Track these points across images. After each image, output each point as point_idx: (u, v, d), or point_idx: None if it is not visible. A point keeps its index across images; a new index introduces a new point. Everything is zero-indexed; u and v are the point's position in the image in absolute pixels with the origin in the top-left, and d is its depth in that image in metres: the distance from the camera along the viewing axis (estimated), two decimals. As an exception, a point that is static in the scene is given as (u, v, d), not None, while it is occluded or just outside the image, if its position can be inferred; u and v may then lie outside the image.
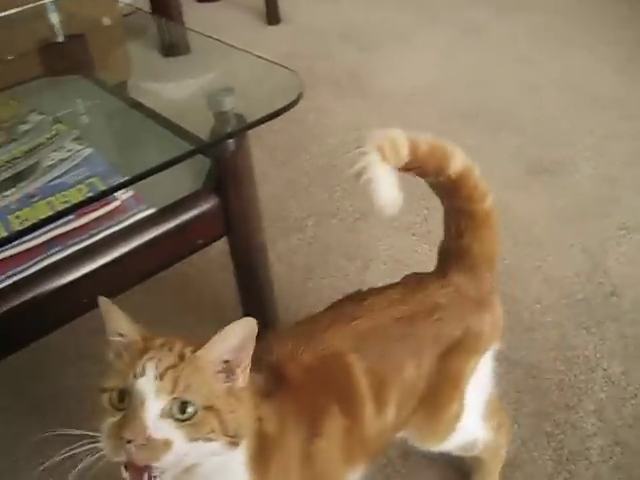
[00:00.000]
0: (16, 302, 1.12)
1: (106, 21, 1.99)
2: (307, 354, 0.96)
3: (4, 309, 1.11)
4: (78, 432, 0.77)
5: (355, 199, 1.95)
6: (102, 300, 0.84)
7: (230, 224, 1.29)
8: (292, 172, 2.12)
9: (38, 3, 1.86)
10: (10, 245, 1.16)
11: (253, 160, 1.31)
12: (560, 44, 2.76)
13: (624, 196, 1.93)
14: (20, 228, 1.16)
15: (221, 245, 1.36)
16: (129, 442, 0.73)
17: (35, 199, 1.25)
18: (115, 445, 0.75)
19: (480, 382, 1.09)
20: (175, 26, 2.38)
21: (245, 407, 0.83)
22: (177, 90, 1.69)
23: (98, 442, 0.77)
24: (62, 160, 1.34)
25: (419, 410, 1.05)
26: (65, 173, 1.30)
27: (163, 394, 0.76)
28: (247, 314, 1.42)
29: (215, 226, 1.28)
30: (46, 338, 1.17)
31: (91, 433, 0.77)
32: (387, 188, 0.94)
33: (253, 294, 1.44)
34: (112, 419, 0.77)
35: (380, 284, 1.09)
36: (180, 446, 0.76)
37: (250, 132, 1.28)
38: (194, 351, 0.81)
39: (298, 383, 0.93)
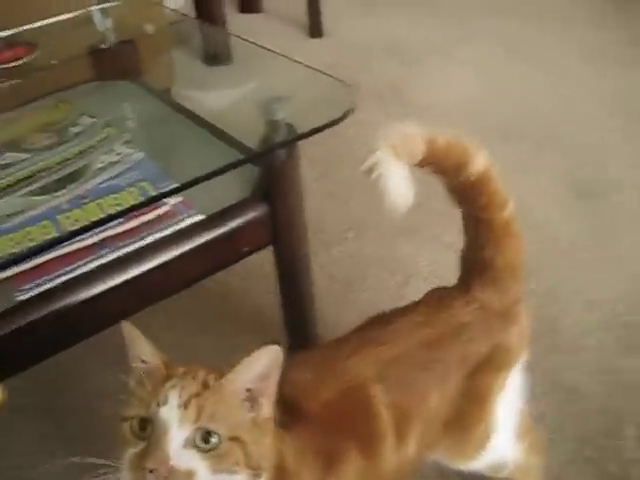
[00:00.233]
0: (65, 302, 1.13)
1: (152, 28, 2.02)
2: (328, 385, 0.93)
3: (53, 309, 1.12)
4: (101, 462, 0.75)
5: (395, 214, 1.93)
6: (125, 325, 0.82)
7: (277, 233, 1.29)
8: (332, 185, 2.12)
9: (89, 9, 1.89)
10: (60, 245, 1.17)
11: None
12: (608, 62, 2.73)
13: (671, 220, 1.90)
14: (71, 229, 1.17)
15: (262, 255, 1.36)
16: (151, 472, 0.72)
17: (85, 201, 1.26)
18: (137, 477, 0.73)
19: (509, 398, 1.06)
20: (220, 34, 2.39)
21: (269, 438, 0.81)
22: (222, 98, 1.70)
23: (119, 471, 0.75)
24: (113, 163, 1.35)
25: (445, 433, 1.03)
26: (116, 176, 1.31)
27: (187, 423, 0.74)
28: (287, 324, 1.45)
29: (262, 234, 1.28)
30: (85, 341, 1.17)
31: (113, 463, 0.76)
32: (398, 184, 0.92)
33: (294, 304, 1.44)
34: (133, 450, 0.75)
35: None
36: (203, 477, 0.74)
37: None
38: (218, 379, 0.79)
39: (317, 417, 0.91)
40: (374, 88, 2.63)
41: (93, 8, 1.89)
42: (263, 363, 0.78)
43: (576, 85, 2.57)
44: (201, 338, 1.55)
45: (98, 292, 1.15)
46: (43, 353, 1.14)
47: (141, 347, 0.82)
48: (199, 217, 1.22)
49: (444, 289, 1.07)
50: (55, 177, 1.34)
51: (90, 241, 1.19)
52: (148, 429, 0.75)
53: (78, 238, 1.18)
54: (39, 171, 1.36)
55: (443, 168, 0.98)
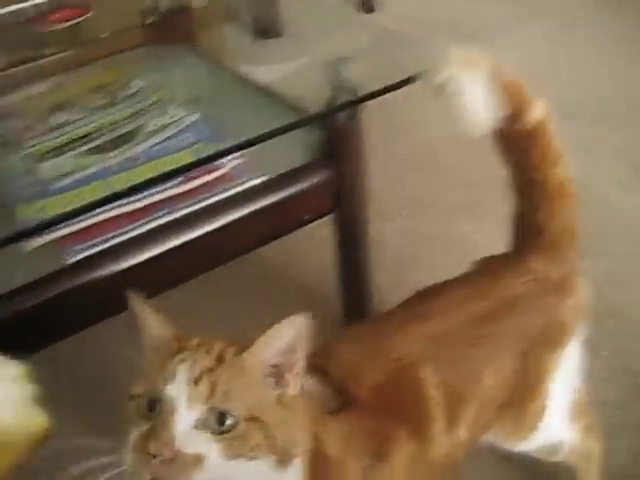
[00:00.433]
0: (115, 266, 1.09)
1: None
2: (374, 364, 0.85)
3: (103, 273, 1.07)
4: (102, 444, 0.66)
5: (454, 191, 1.86)
6: (133, 297, 0.74)
7: (339, 200, 1.23)
8: (390, 158, 2.04)
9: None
10: (113, 207, 1.12)
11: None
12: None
13: None
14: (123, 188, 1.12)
15: (317, 226, 1.30)
16: (155, 456, 0.64)
17: (138, 162, 1.21)
18: (140, 460, 0.65)
19: (565, 376, 0.98)
20: (270, 8, 2.33)
21: (298, 419, 0.72)
22: (278, 68, 1.64)
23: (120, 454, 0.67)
24: (166, 125, 1.29)
25: (498, 413, 0.96)
26: (169, 138, 1.26)
27: (197, 402, 0.66)
28: (344, 296, 1.39)
29: (323, 201, 1.22)
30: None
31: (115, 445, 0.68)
32: (475, 101, 0.84)
33: (352, 275, 1.38)
34: (138, 430, 0.67)
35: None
36: (215, 463, 0.65)
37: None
38: (237, 353, 0.70)
39: (364, 399, 0.83)
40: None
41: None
42: (288, 336, 0.70)
43: (637, 64, 2.47)
44: (253, 309, 1.50)
45: (151, 256, 1.10)
46: (89, 320, 1.09)
47: (150, 320, 0.74)
48: (259, 180, 1.16)
49: (495, 258, 1.00)
50: (108, 138, 1.29)
51: (145, 203, 1.13)
52: (156, 409, 0.67)
53: (132, 199, 1.12)
54: (92, 132, 1.31)
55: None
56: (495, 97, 0.87)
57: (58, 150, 1.28)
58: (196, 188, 1.15)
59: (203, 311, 1.46)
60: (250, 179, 1.16)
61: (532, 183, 0.95)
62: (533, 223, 0.96)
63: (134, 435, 0.67)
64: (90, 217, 1.11)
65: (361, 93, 1.19)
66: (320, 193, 1.21)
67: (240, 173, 1.17)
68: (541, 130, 0.92)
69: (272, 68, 1.63)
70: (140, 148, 1.25)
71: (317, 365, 0.78)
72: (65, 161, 1.24)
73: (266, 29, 2.07)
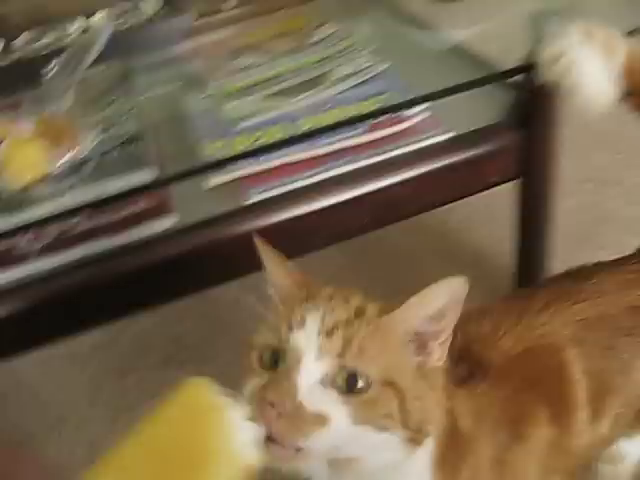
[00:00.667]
0: (291, 212, 1.06)
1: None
2: (515, 339, 0.77)
3: (284, 216, 1.05)
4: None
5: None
6: (259, 242, 0.68)
7: (529, 164, 1.15)
8: (572, 130, 1.92)
9: None
10: (294, 151, 1.10)
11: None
12: None
13: None
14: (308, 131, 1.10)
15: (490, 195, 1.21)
16: (273, 406, 0.57)
17: (326, 107, 1.18)
18: (257, 411, 0.58)
19: None
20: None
21: (436, 395, 0.64)
22: (467, 28, 1.56)
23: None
24: (355, 73, 1.25)
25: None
26: (358, 85, 1.22)
27: (327, 356, 0.59)
28: (519, 270, 1.31)
29: (511, 164, 1.14)
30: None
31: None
32: (593, 76, 0.75)
33: (530, 248, 1.29)
34: (258, 380, 0.61)
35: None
36: (339, 427, 0.58)
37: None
38: (379, 314, 0.63)
39: (501, 373, 0.75)
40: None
41: None
42: (440, 300, 0.62)
43: None
44: (411, 276, 1.46)
45: (328, 205, 1.06)
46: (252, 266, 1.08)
47: (278, 267, 0.68)
48: (447, 136, 1.10)
49: None
50: (294, 82, 1.27)
51: (327, 150, 1.10)
52: (280, 362, 0.61)
53: (315, 145, 1.10)
54: (278, 75, 1.30)
55: None
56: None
57: (243, 91, 1.28)
58: (380, 139, 1.10)
59: (359, 274, 1.44)
60: (436, 135, 1.10)
61: None
62: None
63: (253, 385, 0.62)
64: (271, 160, 1.09)
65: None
66: (508, 156, 1.13)
67: (426, 128, 1.12)
68: None
69: (461, 28, 1.56)
70: (326, 94, 1.22)
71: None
72: (250, 102, 1.24)
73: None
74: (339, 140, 1.10)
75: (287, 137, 1.05)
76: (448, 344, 0.65)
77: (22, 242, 0.99)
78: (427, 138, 1.10)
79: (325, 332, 0.60)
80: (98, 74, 1.32)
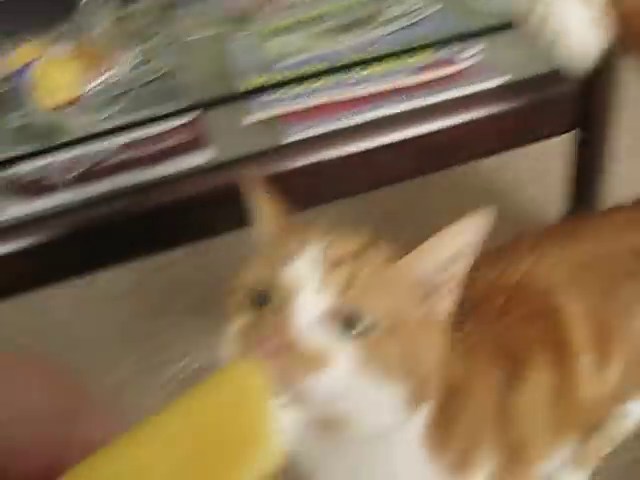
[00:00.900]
0: (339, 152, 1.02)
1: None
2: (505, 280, 0.71)
3: (323, 156, 1.02)
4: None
5: None
6: (247, 183, 0.61)
7: (585, 116, 1.08)
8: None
9: None
10: (337, 91, 1.05)
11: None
12: None
13: None
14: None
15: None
16: (264, 343, 0.49)
17: (371, 49, 1.13)
18: (243, 350, 0.51)
19: None
20: None
21: (441, 346, 0.58)
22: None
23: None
24: (404, 14, 1.19)
25: None
26: (407, 27, 1.17)
27: (329, 291, 0.52)
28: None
29: (567, 116, 1.08)
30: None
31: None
32: (576, 26, 0.73)
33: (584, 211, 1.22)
34: (244, 318, 0.54)
35: None
36: (340, 372, 0.51)
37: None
38: (389, 258, 0.56)
39: (491, 315, 0.69)
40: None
41: None
42: (457, 242, 0.55)
43: None
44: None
45: (370, 147, 1.02)
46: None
47: (267, 209, 0.61)
48: (500, 81, 1.04)
49: None
50: (340, 22, 1.21)
51: (372, 90, 1.05)
52: (273, 299, 0.53)
53: (359, 86, 1.05)
54: (324, 14, 1.25)
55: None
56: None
57: (288, 29, 1.23)
58: (428, 82, 1.05)
59: (397, 230, 1.40)
60: (488, 80, 1.04)
61: None
62: None
63: (239, 323, 0.54)
64: (313, 98, 1.05)
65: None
66: (564, 106, 1.06)
67: (478, 72, 1.06)
68: None
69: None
70: (374, 34, 1.17)
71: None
72: (294, 40, 1.19)
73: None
74: (385, 81, 1.05)
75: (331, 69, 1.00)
76: (457, 291, 0.58)
77: (53, 171, 0.97)
78: (478, 83, 1.04)
79: (329, 264, 0.53)
80: (142, 7, 1.29)
